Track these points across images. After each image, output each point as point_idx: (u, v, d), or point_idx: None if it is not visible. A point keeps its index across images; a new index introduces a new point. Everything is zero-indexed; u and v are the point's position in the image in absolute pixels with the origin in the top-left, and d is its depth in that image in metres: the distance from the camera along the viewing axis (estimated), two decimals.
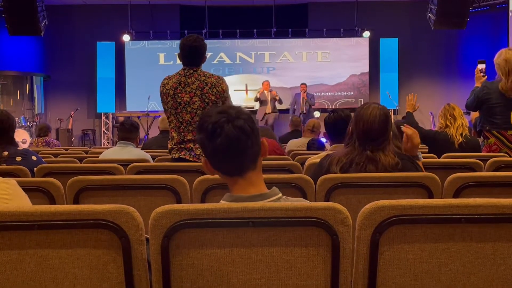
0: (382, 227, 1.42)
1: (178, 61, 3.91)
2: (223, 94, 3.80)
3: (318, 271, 1.45)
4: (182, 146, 3.78)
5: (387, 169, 2.41)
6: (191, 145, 3.76)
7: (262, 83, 12.02)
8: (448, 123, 4.60)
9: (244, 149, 1.56)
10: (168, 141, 3.94)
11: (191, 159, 3.74)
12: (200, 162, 3.66)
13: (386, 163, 2.41)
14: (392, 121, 2.56)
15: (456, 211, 1.41)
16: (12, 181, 1.73)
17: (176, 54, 3.86)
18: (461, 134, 4.52)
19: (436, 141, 4.64)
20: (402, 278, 1.46)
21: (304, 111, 11.79)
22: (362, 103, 2.63)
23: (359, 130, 2.46)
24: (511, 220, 1.42)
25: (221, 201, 1.58)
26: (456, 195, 2.36)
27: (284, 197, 1.62)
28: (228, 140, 1.53)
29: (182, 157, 3.76)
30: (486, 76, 5.01)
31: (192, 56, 3.83)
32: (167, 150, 5.21)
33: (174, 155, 3.82)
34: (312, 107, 12.23)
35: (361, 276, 1.46)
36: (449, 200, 1.46)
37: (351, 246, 1.44)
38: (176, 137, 3.82)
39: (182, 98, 3.77)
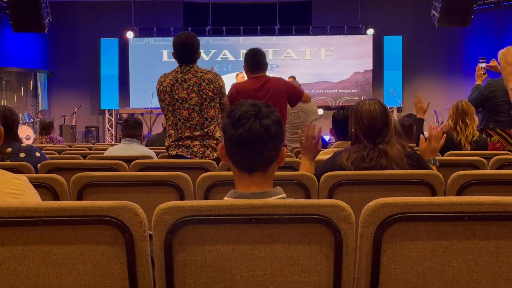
0: (385, 224, 1.42)
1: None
2: (220, 90, 3.82)
3: (321, 268, 1.45)
4: (180, 143, 3.79)
5: (396, 161, 2.42)
6: (189, 142, 3.76)
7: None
8: (458, 129, 4.24)
9: (261, 149, 1.54)
10: (166, 139, 3.94)
11: (188, 155, 3.74)
12: (197, 159, 3.66)
13: (393, 154, 2.42)
14: (396, 119, 2.56)
15: (459, 209, 1.41)
16: (24, 177, 1.73)
17: (172, 53, 3.89)
18: (471, 142, 4.19)
19: (443, 147, 4.47)
20: (405, 275, 1.46)
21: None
22: (355, 102, 2.61)
23: (364, 128, 2.46)
24: None
25: (225, 198, 1.58)
26: (459, 193, 2.36)
27: (288, 198, 1.60)
28: (249, 133, 1.52)
29: (180, 154, 3.77)
30: (486, 74, 4.99)
31: (186, 53, 3.84)
32: None
33: (171, 152, 3.83)
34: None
35: (364, 273, 1.46)
36: (452, 198, 1.46)
37: (354, 243, 1.44)
38: (173, 134, 3.82)
39: (179, 95, 3.77)
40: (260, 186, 1.58)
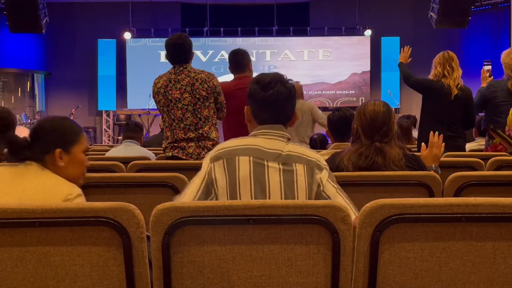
0: (382, 225, 1.42)
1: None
2: (214, 89, 3.80)
3: (319, 269, 1.45)
4: (175, 145, 3.79)
5: (394, 162, 2.41)
6: (184, 144, 3.77)
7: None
8: (446, 73, 4.53)
9: (284, 107, 1.94)
10: (163, 141, 3.95)
11: (183, 157, 3.75)
12: (192, 160, 3.68)
13: (393, 156, 2.42)
14: (395, 120, 2.56)
15: (456, 210, 1.41)
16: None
17: (165, 55, 3.91)
18: (457, 86, 4.49)
19: (432, 90, 4.59)
20: (402, 276, 1.46)
21: None
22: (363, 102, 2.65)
23: (364, 123, 2.46)
24: (511, 219, 1.42)
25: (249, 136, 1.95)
26: (457, 194, 2.36)
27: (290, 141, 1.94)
28: (277, 94, 1.92)
29: (175, 155, 3.77)
30: (492, 77, 5.03)
31: (178, 53, 3.85)
32: None
33: (167, 153, 3.84)
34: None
35: (361, 274, 1.46)
36: (450, 199, 1.46)
37: (352, 244, 1.44)
38: (170, 136, 3.83)
39: (173, 95, 3.77)
40: None
